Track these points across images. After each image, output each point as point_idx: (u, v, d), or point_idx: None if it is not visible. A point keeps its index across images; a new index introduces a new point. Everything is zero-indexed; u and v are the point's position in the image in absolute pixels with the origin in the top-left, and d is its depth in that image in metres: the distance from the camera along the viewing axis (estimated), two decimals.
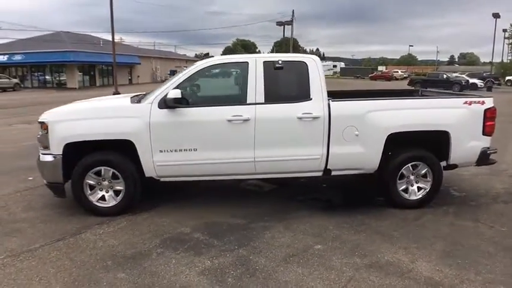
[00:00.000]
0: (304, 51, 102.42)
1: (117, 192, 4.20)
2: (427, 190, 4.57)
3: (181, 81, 4.19)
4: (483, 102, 4.52)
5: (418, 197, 4.57)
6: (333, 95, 4.53)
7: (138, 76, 48.16)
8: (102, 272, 3.08)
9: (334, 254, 3.42)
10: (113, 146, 4.11)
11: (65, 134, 4.01)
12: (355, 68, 79.54)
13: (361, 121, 4.27)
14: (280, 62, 4.29)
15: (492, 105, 4.56)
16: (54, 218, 4.15)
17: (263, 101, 4.21)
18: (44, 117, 4.11)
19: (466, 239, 3.72)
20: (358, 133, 4.28)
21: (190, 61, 65.71)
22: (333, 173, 4.46)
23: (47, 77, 40.40)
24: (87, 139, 4.03)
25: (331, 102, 4.29)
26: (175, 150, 4.14)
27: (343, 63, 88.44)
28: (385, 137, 4.31)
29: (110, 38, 24.69)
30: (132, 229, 3.90)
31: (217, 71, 4.53)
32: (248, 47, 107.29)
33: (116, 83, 24.67)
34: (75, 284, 2.91)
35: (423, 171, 4.52)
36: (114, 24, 22.18)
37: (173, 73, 54.70)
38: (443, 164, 4.60)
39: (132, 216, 4.20)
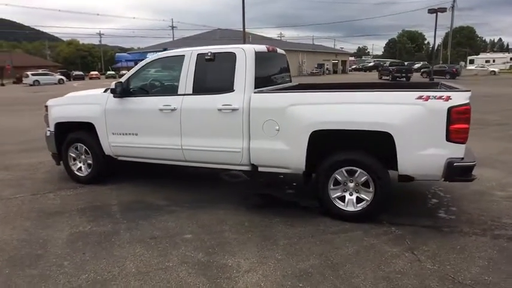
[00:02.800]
0: (483, 42, 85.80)
1: (89, 165, 5.18)
2: (368, 202, 3.79)
3: (131, 73, 4.77)
4: (448, 98, 3.40)
5: (357, 209, 3.85)
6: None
7: None
8: (45, 218, 4.06)
9: (184, 245, 3.40)
10: (85, 127, 5.07)
11: (56, 116, 5.21)
12: None
13: (281, 115, 3.91)
14: (210, 53, 4.33)
15: (464, 102, 3.38)
16: (43, 181, 5.39)
17: (191, 92, 4.37)
18: (48, 102, 5.42)
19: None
20: (278, 128, 3.94)
21: (340, 54, 64.71)
22: (260, 169, 4.23)
23: None
24: (67, 120, 5.12)
25: (253, 95, 4.08)
26: (123, 134, 4.78)
27: None
28: (308, 135, 3.81)
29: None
30: (78, 194, 4.80)
31: (162, 64, 4.89)
32: (415, 38, 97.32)
33: None
34: (25, 221, 3.98)
35: (363, 179, 3.78)
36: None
37: (320, 66, 55.30)
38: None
39: (96, 186, 5.08)
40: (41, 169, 6.00)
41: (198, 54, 4.40)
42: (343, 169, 3.82)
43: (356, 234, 3.59)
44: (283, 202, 4.57)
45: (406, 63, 51.40)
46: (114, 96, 4.73)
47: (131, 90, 4.72)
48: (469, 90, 3.47)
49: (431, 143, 3.48)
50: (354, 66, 72.22)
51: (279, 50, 5.26)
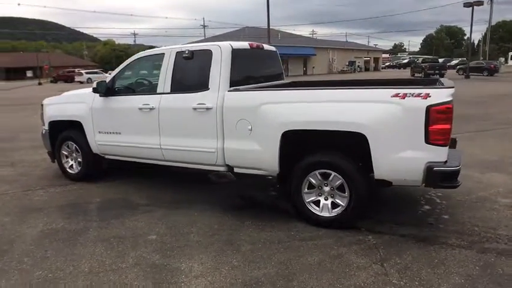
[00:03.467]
0: None
1: (80, 163, 5.27)
2: (344, 208, 3.55)
3: (116, 73, 4.79)
4: (427, 96, 3.09)
5: (332, 215, 3.62)
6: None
7: (313, 67, 49.89)
8: (25, 214, 4.17)
9: (145, 247, 3.35)
10: (76, 126, 5.15)
11: (50, 114, 5.34)
12: None
13: (254, 114, 3.74)
14: (187, 51, 4.24)
15: (445, 99, 3.05)
16: (39, 178, 5.56)
17: (169, 91, 4.31)
18: (43, 101, 5.56)
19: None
20: (251, 128, 3.78)
21: (372, 51, 62.76)
22: (236, 170, 4.09)
23: None
24: (58, 119, 5.24)
25: (226, 93, 3.94)
26: (108, 133, 4.81)
27: None
28: (280, 135, 3.62)
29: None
30: (65, 192, 4.88)
31: (144, 63, 4.84)
32: (454, 34, 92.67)
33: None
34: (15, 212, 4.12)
35: (337, 183, 3.54)
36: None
37: (351, 64, 53.94)
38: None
39: (86, 184, 5.15)
40: (41, 166, 6.19)
41: (176, 53, 4.33)
42: (317, 172, 3.60)
43: (326, 242, 3.36)
44: (262, 204, 4.41)
45: (441, 59, 48.92)
46: (100, 95, 4.77)
47: (116, 89, 4.74)
48: (452, 87, 3.14)
49: (409, 145, 3.18)
50: (387, 64, 69.76)
51: (267, 47, 5.09)
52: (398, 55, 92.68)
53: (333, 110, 3.41)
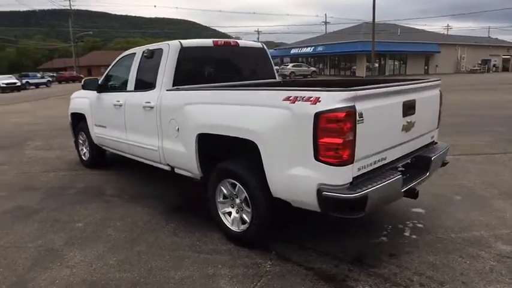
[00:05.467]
0: None
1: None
2: (248, 225, 3.14)
3: (107, 71, 5.20)
4: (316, 100, 2.48)
5: (240, 231, 3.24)
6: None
7: (437, 66, 44.31)
8: (15, 192, 4.99)
9: (54, 232, 3.59)
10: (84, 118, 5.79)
11: (70, 107, 6.12)
12: None
13: (180, 115, 3.61)
14: (146, 50, 4.32)
15: (337, 106, 2.40)
16: (65, 162, 6.38)
17: (133, 89, 4.49)
18: (72, 95, 6.40)
19: None
20: (178, 128, 3.66)
21: None
22: (176, 170, 4.00)
23: (341, 66, 45.72)
24: (74, 111, 5.98)
25: (164, 92, 3.88)
26: (99, 126, 5.28)
27: None
28: (195, 137, 3.41)
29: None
30: (69, 176, 5.54)
31: (123, 61, 5.01)
32: None
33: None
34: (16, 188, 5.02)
35: (243, 196, 3.15)
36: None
37: (485, 62, 46.01)
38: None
39: (92, 171, 5.76)
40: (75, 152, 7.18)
41: (142, 52, 4.46)
42: (226, 181, 3.26)
43: (219, 259, 3.05)
44: (203, 207, 4.20)
45: None
46: (97, 92, 5.27)
47: (105, 86, 5.16)
48: (353, 90, 2.43)
49: (299, 161, 2.61)
50: None
51: (250, 44, 4.80)
52: None
53: (231, 114, 3.04)
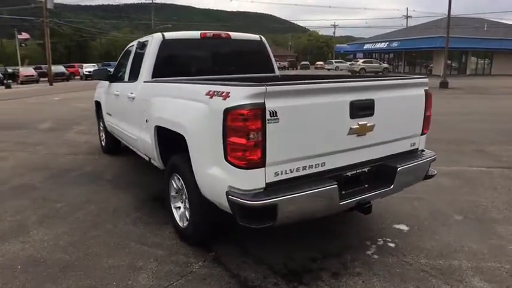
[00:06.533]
0: None
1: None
2: (188, 222, 3.06)
3: (117, 61, 5.46)
4: (226, 96, 2.29)
5: (184, 226, 3.18)
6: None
7: None
8: (31, 171, 5.56)
9: (27, 208, 3.87)
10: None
11: (95, 95, 6.57)
12: None
13: (148, 106, 3.64)
14: (138, 43, 4.43)
15: (245, 102, 2.19)
16: (92, 146, 6.77)
17: (127, 80, 4.64)
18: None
19: None
20: (146, 120, 3.70)
21: None
22: (152, 161, 4.05)
23: (417, 63, 42.08)
24: (95, 99, 6.39)
25: (142, 84, 3.94)
26: (108, 114, 5.59)
27: None
28: (153, 130, 3.42)
29: None
30: (84, 160, 5.98)
31: (127, 53, 5.11)
32: None
33: (444, 70, 22.45)
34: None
35: (185, 191, 3.07)
36: None
37: None
38: None
39: (107, 156, 6.15)
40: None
41: (137, 43, 4.59)
42: (175, 175, 3.21)
43: (153, 253, 3.02)
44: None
45: None
46: (109, 82, 5.58)
47: (115, 76, 5.42)
48: (262, 85, 2.18)
49: (215, 160, 2.45)
50: None
51: (245, 36, 4.64)
52: None
53: (170, 107, 2.98)
